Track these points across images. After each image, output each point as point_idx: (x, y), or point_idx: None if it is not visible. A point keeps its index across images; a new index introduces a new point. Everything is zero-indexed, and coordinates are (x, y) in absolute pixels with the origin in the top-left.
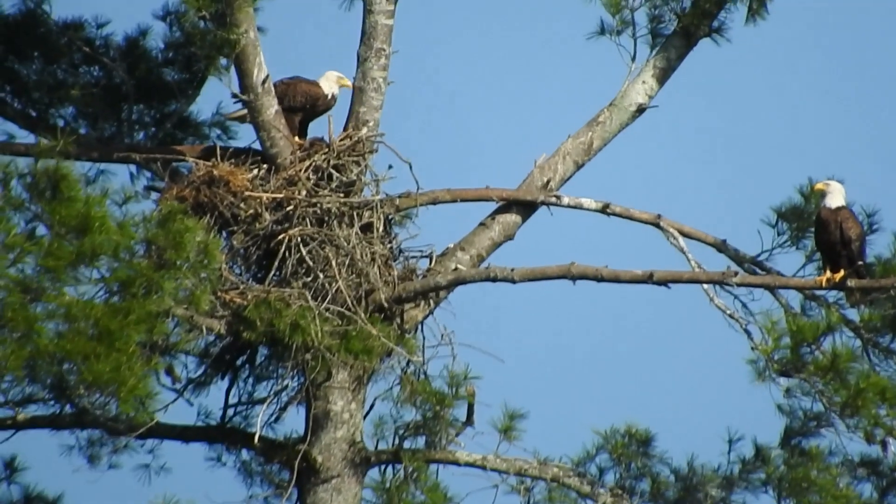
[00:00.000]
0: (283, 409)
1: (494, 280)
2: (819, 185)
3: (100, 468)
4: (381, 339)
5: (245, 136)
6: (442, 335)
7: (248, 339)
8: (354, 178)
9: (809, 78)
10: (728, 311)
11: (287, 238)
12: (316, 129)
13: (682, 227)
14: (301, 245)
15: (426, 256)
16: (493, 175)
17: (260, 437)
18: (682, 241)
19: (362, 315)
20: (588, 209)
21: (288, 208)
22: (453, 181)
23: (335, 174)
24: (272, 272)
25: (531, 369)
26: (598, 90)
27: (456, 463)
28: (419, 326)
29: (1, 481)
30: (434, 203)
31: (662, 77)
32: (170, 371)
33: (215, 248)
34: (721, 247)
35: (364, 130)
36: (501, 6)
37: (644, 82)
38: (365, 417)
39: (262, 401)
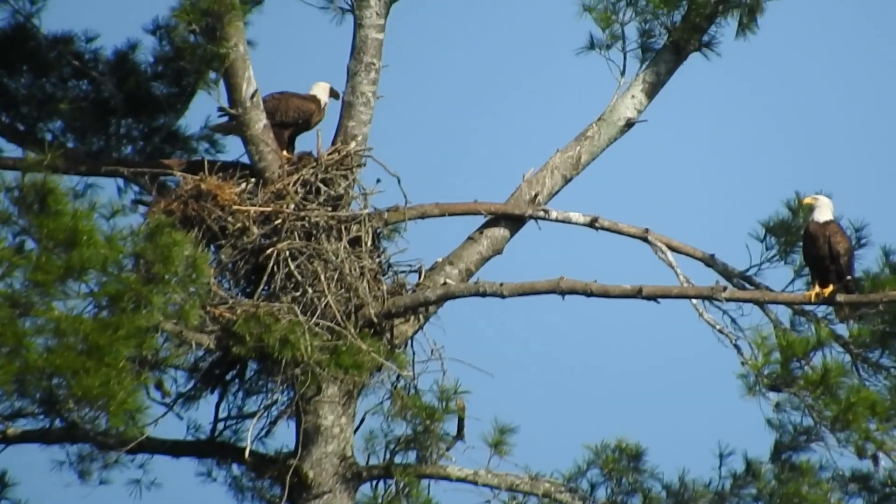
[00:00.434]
0: (274, 423)
1: (483, 295)
2: (807, 200)
3: (90, 483)
4: (371, 354)
5: (233, 150)
6: (432, 350)
7: (238, 354)
8: (343, 192)
9: (798, 92)
10: (717, 326)
11: (275, 252)
12: (304, 143)
13: (671, 241)
14: (290, 259)
15: (415, 271)
16: (482, 189)
17: (250, 451)
18: (670, 255)
19: (352, 330)
20: (576, 223)
21: (276, 222)
22: (441, 195)
23: (323, 188)
24: (261, 286)
25: (521, 384)
26: (587, 104)
27: (447, 478)
28: (409, 341)
29: None
30: (422, 217)
31: (652, 91)
32: (159, 386)
33: (204, 262)
34: (710, 261)
35: (353, 144)
36: (491, 21)
37: (633, 97)
38: (355, 432)
39: (252, 415)
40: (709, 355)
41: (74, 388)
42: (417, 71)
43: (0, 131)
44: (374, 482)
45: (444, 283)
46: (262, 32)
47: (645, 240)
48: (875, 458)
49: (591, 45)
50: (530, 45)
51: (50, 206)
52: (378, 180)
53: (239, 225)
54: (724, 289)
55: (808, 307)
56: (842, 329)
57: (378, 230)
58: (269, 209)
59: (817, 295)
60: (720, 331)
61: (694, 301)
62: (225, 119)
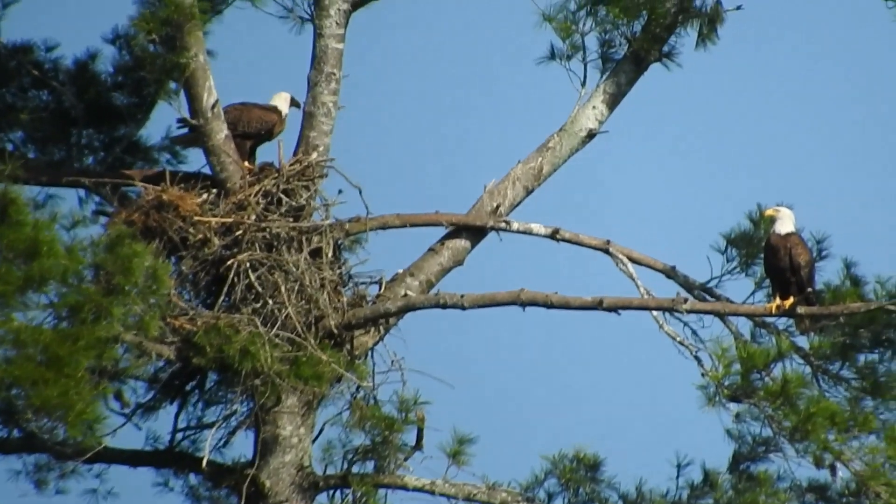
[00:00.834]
0: (232, 433)
1: (444, 306)
2: (769, 212)
3: (47, 493)
4: (331, 365)
5: (195, 161)
6: (392, 361)
7: (198, 365)
8: (304, 202)
9: (760, 104)
10: (678, 338)
11: (236, 263)
12: (266, 153)
13: (632, 252)
14: (250, 270)
15: (375, 282)
16: (443, 200)
17: (208, 461)
18: (631, 267)
19: (312, 341)
20: (537, 234)
21: (237, 233)
22: (403, 206)
23: (285, 199)
24: (221, 298)
25: (480, 395)
26: (549, 115)
27: (405, 487)
28: (369, 352)
29: None
30: (384, 228)
31: (613, 102)
32: (119, 396)
33: (164, 273)
34: (670, 273)
35: (314, 155)
36: (452, 31)
37: (594, 107)
38: (314, 442)
39: (210, 425)
40: (669, 367)
41: (33, 398)
42: (379, 81)
43: None
44: (331, 492)
45: (405, 295)
46: (222, 42)
47: (606, 251)
48: (833, 469)
49: (552, 56)
50: (491, 55)
51: (10, 216)
52: (340, 191)
53: (200, 236)
54: (685, 300)
55: (768, 319)
56: (802, 341)
57: (339, 241)
58: (230, 220)
59: (778, 307)
60: (681, 342)
61: (655, 313)
62: (185, 131)
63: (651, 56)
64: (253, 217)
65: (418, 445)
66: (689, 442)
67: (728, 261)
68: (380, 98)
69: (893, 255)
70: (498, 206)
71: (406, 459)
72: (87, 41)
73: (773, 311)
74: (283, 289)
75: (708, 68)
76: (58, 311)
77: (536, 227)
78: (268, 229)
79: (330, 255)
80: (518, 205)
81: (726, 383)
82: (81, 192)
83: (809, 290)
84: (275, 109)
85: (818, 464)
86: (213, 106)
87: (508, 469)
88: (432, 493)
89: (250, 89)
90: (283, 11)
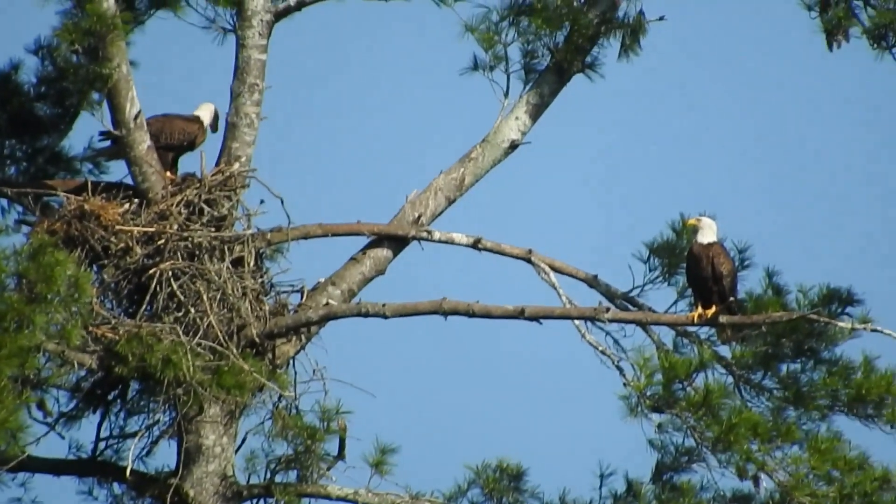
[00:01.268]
0: (155, 442)
1: (366, 315)
2: (691, 221)
3: None
4: (253, 374)
5: (117, 172)
6: (314, 370)
7: (120, 374)
8: (226, 212)
9: (682, 114)
10: (600, 347)
11: (158, 272)
12: (188, 163)
13: (554, 262)
14: (172, 279)
15: (297, 291)
16: (365, 210)
17: (131, 470)
18: (553, 276)
19: (234, 350)
20: (459, 244)
21: (159, 242)
22: (325, 216)
23: (207, 209)
24: (143, 307)
25: (403, 404)
26: (471, 126)
27: (328, 497)
28: (291, 361)
29: None
30: (306, 237)
31: (536, 113)
32: (41, 405)
33: (86, 281)
34: (592, 282)
35: (236, 166)
36: (374, 42)
37: (517, 118)
38: (237, 451)
39: (133, 435)
40: (591, 376)
41: None
42: (301, 92)
43: None
44: (255, 501)
45: (327, 304)
46: (144, 53)
47: (528, 261)
48: (756, 479)
49: (475, 66)
50: (414, 65)
51: None
52: (262, 201)
53: (122, 245)
54: (607, 310)
55: (690, 328)
56: (724, 350)
57: (261, 250)
58: (152, 229)
59: (700, 316)
60: (603, 352)
61: (576, 322)
62: (107, 144)
63: (574, 67)
64: (175, 226)
65: (341, 455)
66: (612, 452)
67: (650, 270)
68: (302, 109)
69: (815, 264)
70: (420, 216)
71: (329, 469)
72: (9, 52)
73: (696, 321)
74: (205, 297)
75: (631, 79)
76: None
77: (458, 237)
78: (190, 239)
79: (252, 264)
80: (440, 215)
81: (648, 393)
82: (4, 202)
83: (732, 299)
84: (197, 120)
85: (741, 475)
86: (136, 116)
87: (431, 479)
88: (355, 502)
89: (173, 100)
90: (205, 22)
